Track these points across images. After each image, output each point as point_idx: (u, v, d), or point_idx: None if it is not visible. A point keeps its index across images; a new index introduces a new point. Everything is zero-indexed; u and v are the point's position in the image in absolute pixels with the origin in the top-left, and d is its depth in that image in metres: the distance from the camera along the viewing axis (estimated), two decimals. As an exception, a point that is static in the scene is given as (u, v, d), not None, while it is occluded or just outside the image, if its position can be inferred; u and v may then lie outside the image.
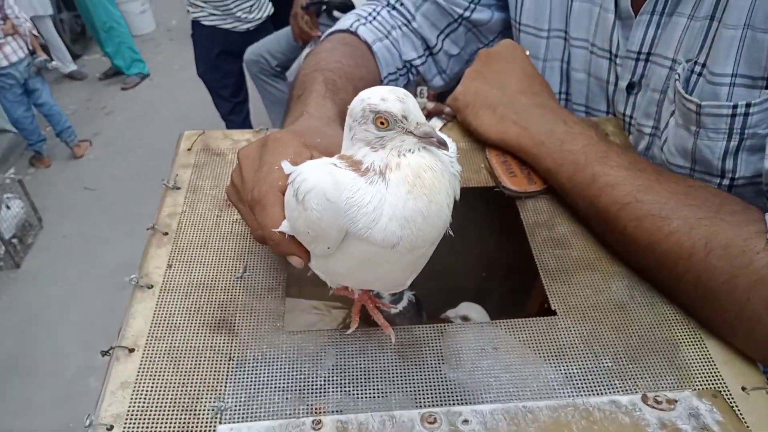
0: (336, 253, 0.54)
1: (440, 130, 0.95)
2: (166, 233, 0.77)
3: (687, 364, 0.64)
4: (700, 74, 0.78)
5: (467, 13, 1.04)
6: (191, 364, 0.64)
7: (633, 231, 0.70)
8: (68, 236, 3.72)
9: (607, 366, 0.64)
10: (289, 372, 0.64)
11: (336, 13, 2.55)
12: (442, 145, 0.50)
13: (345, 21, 1.06)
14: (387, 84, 1.05)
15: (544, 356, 0.66)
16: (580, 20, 0.95)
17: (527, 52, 0.99)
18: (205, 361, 0.65)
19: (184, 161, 0.87)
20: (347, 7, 2.40)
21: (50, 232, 3.73)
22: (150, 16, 6.22)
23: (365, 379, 0.63)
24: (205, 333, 0.67)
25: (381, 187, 0.49)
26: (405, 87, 1.10)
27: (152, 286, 0.71)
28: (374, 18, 1.05)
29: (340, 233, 0.51)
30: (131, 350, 0.65)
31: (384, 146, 0.50)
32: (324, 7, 2.58)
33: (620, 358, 0.66)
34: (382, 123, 0.49)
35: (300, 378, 0.64)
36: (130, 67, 5.35)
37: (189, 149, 0.89)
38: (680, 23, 0.81)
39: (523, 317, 0.70)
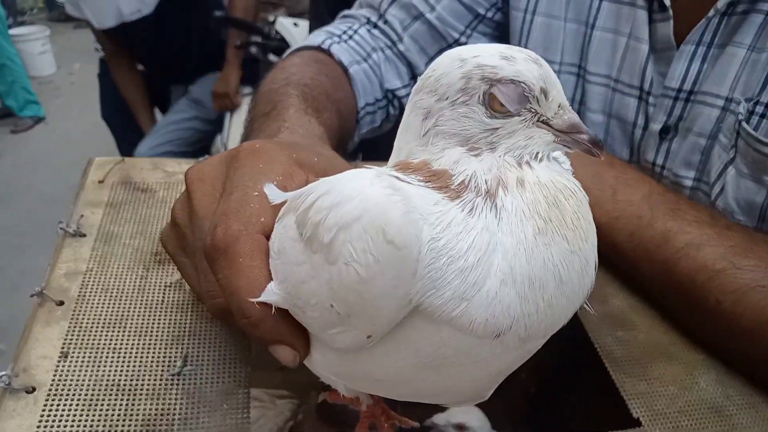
0: (378, 347, 0.31)
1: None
2: (61, 302, 0.50)
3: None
4: (763, 116, 0.64)
5: (464, 39, 0.86)
6: None
7: (731, 308, 0.53)
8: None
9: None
10: None
11: (272, 56, 2.32)
12: (597, 147, 0.29)
13: (314, 38, 0.85)
14: (364, 117, 0.85)
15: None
16: (600, 53, 0.80)
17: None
18: None
19: (92, 197, 0.61)
20: (283, 51, 2.20)
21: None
22: (51, 58, 5.76)
23: None
24: (120, 472, 0.41)
25: (490, 220, 0.27)
26: (382, 123, 0.90)
27: (34, 390, 0.44)
28: (350, 37, 0.86)
29: (401, 309, 0.28)
30: None
31: (494, 147, 0.29)
32: (256, 49, 2.33)
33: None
34: (500, 105, 0.29)
35: None
36: (23, 109, 4.86)
37: (101, 181, 0.63)
38: (738, 55, 0.67)
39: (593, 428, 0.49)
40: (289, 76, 0.70)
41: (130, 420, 0.44)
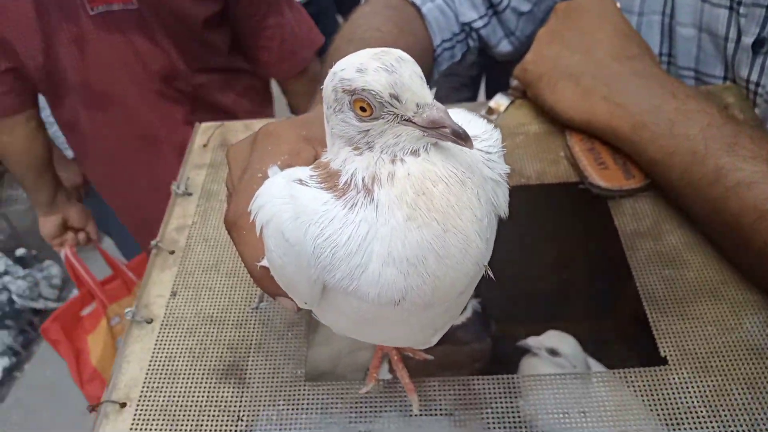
0: (322, 307, 0.39)
1: (507, 109, 0.77)
2: (173, 252, 0.64)
3: None
4: None
5: None
6: (192, 425, 0.51)
7: None
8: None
9: (745, 446, 0.46)
10: (310, 439, 0.50)
11: None
12: (461, 138, 0.32)
13: (389, -21, 0.88)
14: (441, 54, 0.87)
15: (650, 424, 0.48)
16: None
17: (618, 4, 0.78)
18: (208, 420, 0.52)
19: (198, 160, 0.74)
20: None
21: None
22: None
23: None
24: (211, 383, 0.54)
25: (367, 213, 0.33)
26: (464, 56, 0.92)
27: (152, 321, 0.59)
28: (424, -27, 0.87)
29: (313, 286, 0.36)
30: (123, 405, 0.53)
31: (371, 146, 0.34)
32: None
33: (761, 428, 0.47)
34: (362, 109, 0.33)
35: (324, 448, 0.50)
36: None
37: (204, 145, 0.75)
38: None
39: (621, 365, 0.53)
40: (354, 31, 0.74)
41: (219, 345, 0.57)
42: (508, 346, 0.80)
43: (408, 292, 0.33)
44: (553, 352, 0.73)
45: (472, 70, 1.59)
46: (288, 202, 0.34)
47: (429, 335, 0.42)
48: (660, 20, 0.80)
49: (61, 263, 2.92)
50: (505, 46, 0.92)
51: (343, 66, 0.33)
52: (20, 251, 2.87)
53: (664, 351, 0.53)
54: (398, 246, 0.32)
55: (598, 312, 0.75)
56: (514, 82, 0.79)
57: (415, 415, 0.51)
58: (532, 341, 0.75)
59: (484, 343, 0.87)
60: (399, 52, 0.32)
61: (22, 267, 2.76)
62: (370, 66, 0.32)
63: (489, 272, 0.37)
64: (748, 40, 0.69)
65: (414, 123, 0.32)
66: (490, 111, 0.76)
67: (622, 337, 0.70)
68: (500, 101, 0.77)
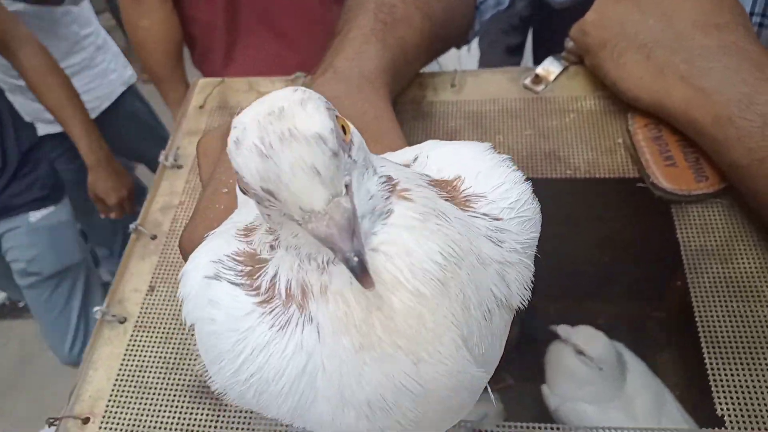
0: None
1: (558, 78, 0.64)
2: (154, 237, 0.56)
3: None
4: None
5: None
6: (159, 451, 0.45)
7: None
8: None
9: None
10: (290, 483, 0.43)
11: None
12: (355, 273, 0.20)
13: None
14: (485, 1, 0.73)
15: None
16: None
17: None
18: (178, 448, 0.45)
19: (192, 125, 0.64)
20: None
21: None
22: None
23: None
24: (185, 402, 0.47)
25: (305, 337, 0.23)
26: (512, 3, 0.77)
27: (125, 320, 0.52)
28: None
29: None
30: (85, 420, 0.47)
31: (279, 241, 0.24)
32: None
33: None
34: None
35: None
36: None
37: (201, 107, 0.65)
38: None
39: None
40: None
41: (197, 355, 0.49)
42: (541, 328, 0.74)
43: None
44: (578, 351, 0.67)
45: (524, 11, 1.42)
46: (208, 300, 0.25)
47: None
48: None
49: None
50: (562, -8, 0.77)
51: (235, 124, 0.22)
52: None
53: (721, 409, 0.43)
54: (352, 385, 0.22)
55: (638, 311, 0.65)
56: (569, 44, 0.65)
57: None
58: (561, 330, 0.69)
59: (514, 328, 0.80)
60: (297, 119, 0.20)
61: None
62: (247, 139, 0.21)
63: (492, 394, 0.26)
64: None
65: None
66: (537, 79, 0.63)
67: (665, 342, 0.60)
68: (550, 68, 0.64)
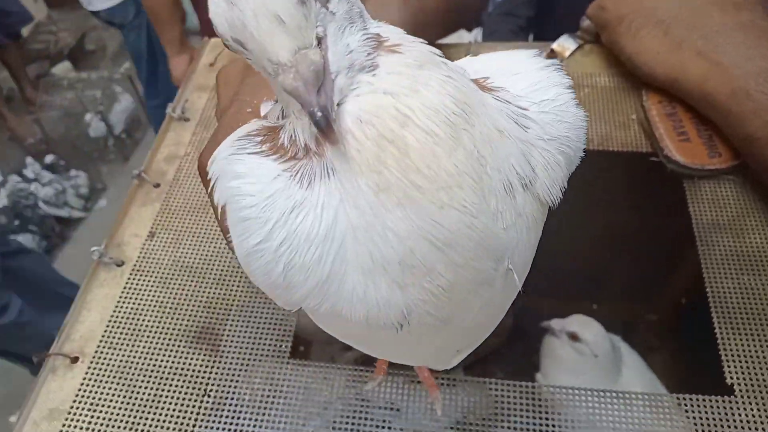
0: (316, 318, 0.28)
1: (572, 54, 0.63)
2: (158, 185, 0.55)
3: None
4: None
5: None
6: (150, 395, 0.43)
7: None
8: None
9: None
10: (285, 430, 0.42)
11: None
12: (319, 128, 0.20)
13: None
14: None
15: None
16: None
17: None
18: (170, 392, 0.44)
19: (201, 80, 0.63)
20: None
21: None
22: None
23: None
24: (180, 346, 0.46)
25: (329, 189, 0.22)
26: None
27: (122, 264, 0.50)
28: None
29: (278, 297, 0.25)
30: (74, 359, 0.45)
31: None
32: None
33: None
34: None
35: (299, 443, 0.41)
36: None
37: (211, 64, 0.65)
38: None
39: (672, 389, 0.43)
40: None
41: (195, 301, 0.48)
42: (531, 322, 0.73)
43: (411, 309, 0.22)
44: (573, 337, 0.66)
45: (528, 11, 1.43)
46: (235, 182, 0.23)
47: (449, 356, 0.32)
48: None
49: (89, 173, 2.90)
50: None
51: None
52: (50, 158, 2.86)
53: (731, 378, 0.42)
54: (378, 242, 0.21)
55: (642, 299, 0.64)
56: (585, 22, 0.65)
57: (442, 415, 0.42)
58: (555, 323, 0.69)
59: (506, 319, 0.79)
60: None
61: (51, 173, 2.75)
62: None
63: (516, 279, 0.25)
64: None
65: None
66: (552, 55, 0.63)
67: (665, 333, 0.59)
68: (565, 44, 0.64)
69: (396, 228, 0.20)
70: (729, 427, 0.40)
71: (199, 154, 0.35)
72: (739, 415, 0.41)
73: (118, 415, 0.43)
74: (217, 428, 0.42)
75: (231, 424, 0.42)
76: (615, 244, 0.65)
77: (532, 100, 0.25)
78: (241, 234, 0.23)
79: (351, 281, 0.22)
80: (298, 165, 0.22)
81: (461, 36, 0.70)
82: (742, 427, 0.40)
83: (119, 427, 0.42)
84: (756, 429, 0.40)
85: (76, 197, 2.72)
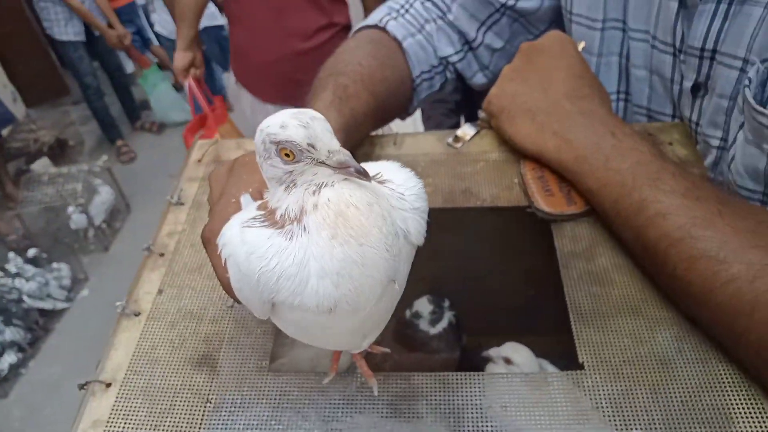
0: (274, 318, 0.48)
1: (472, 138, 0.85)
2: (162, 254, 0.73)
3: (743, 445, 0.52)
4: None
5: (511, 2, 0.91)
6: (167, 404, 0.59)
7: (683, 274, 0.58)
8: (154, 222, 3.87)
9: (638, 441, 0.53)
10: (267, 421, 0.58)
11: None
12: (362, 175, 0.40)
13: (375, 15, 0.96)
14: (420, 84, 0.95)
15: (561, 420, 0.55)
16: (639, 8, 0.81)
17: (581, 46, 0.86)
18: (181, 401, 0.59)
19: (192, 173, 0.83)
20: None
21: (137, 218, 3.90)
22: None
23: (346, 438, 0.56)
24: (186, 369, 0.62)
25: (303, 239, 0.41)
26: (443, 86, 1.00)
27: (139, 314, 0.67)
28: (407, 11, 0.95)
29: (263, 305, 0.44)
30: (108, 385, 0.61)
31: (296, 183, 0.42)
32: None
33: (656, 427, 0.54)
34: (287, 155, 0.41)
35: (279, 430, 0.57)
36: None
37: (199, 161, 0.84)
38: (754, 14, 0.66)
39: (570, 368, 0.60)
40: (336, 64, 0.83)
41: (196, 337, 0.65)
42: (476, 356, 0.89)
43: (339, 300, 0.41)
44: (507, 361, 0.82)
45: (455, 96, 1.69)
46: (241, 243, 0.43)
47: (360, 339, 0.51)
48: (618, 61, 0.88)
49: (71, 264, 3.01)
50: (479, 79, 1.00)
51: (268, 124, 0.41)
52: (32, 251, 2.97)
53: (582, 357, 0.60)
54: (328, 261, 0.40)
55: (538, 324, 0.82)
56: (482, 114, 0.87)
57: (388, 399, 0.59)
58: (492, 351, 0.84)
59: (454, 353, 0.96)
60: (312, 112, 0.41)
61: (34, 266, 2.86)
62: (291, 123, 0.40)
63: (396, 284, 0.45)
64: (687, 84, 0.76)
65: (326, 164, 0.41)
66: (457, 139, 0.84)
67: (560, 347, 0.77)
68: (467, 131, 0.85)
69: (337, 255, 0.40)
70: (579, 393, 0.57)
71: (201, 230, 0.53)
72: (586, 382, 0.58)
73: (143, 422, 0.58)
74: (217, 427, 0.58)
75: (228, 422, 0.58)
76: (511, 279, 0.83)
77: (405, 187, 0.46)
78: (246, 268, 0.42)
79: (312, 284, 0.41)
80: (286, 227, 0.42)
81: (391, 127, 0.90)
82: (588, 390, 0.57)
83: (145, 431, 0.57)
84: (599, 390, 0.57)
85: (58, 288, 2.82)
